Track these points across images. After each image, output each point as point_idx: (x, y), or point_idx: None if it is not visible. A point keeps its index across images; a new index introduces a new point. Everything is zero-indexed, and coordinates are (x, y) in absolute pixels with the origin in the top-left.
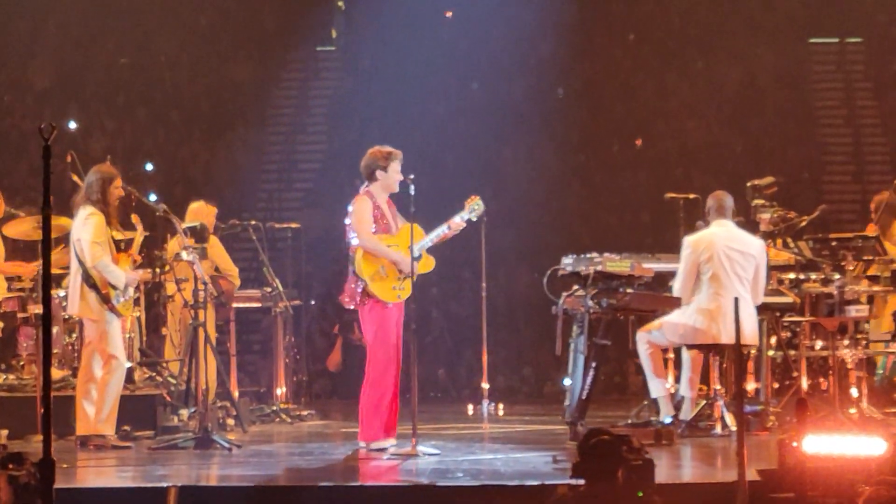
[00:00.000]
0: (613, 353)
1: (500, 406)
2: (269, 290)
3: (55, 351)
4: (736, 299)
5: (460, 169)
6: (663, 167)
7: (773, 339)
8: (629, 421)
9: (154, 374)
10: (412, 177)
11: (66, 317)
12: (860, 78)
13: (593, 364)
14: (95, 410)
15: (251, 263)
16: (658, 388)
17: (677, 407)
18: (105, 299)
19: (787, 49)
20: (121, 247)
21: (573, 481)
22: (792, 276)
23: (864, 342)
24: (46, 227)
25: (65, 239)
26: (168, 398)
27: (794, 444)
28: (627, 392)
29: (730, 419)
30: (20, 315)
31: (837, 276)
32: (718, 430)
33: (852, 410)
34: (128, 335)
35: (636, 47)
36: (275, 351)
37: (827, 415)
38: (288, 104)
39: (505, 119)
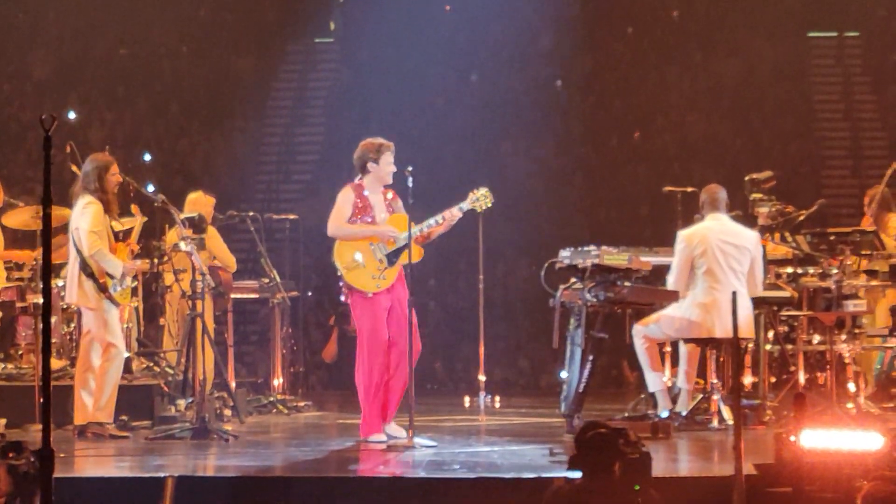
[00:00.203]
0: (610, 346)
1: (497, 398)
2: (266, 281)
3: (53, 341)
4: (734, 293)
5: (459, 161)
6: (662, 161)
7: (771, 334)
8: (626, 414)
9: (152, 364)
10: (410, 169)
11: (65, 306)
12: (859, 72)
13: (590, 357)
14: (94, 400)
15: (249, 254)
16: (655, 381)
17: (674, 400)
18: (102, 288)
19: (786, 43)
20: (119, 237)
21: (570, 474)
22: (790, 270)
23: (861, 337)
24: (47, 217)
25: (63, 229)
26: (165, 388)
27: (792, 438)
28: (624, 385)
29: (727, 413)
30: (19, 304)
31: (835, 270)
32: (715, 423)
33: (849, 405)
34: (126, 325)
35: (635, 41)
36: (272, 342)
37: (824, 409)
38: (286, 96)
39: (504, 112)
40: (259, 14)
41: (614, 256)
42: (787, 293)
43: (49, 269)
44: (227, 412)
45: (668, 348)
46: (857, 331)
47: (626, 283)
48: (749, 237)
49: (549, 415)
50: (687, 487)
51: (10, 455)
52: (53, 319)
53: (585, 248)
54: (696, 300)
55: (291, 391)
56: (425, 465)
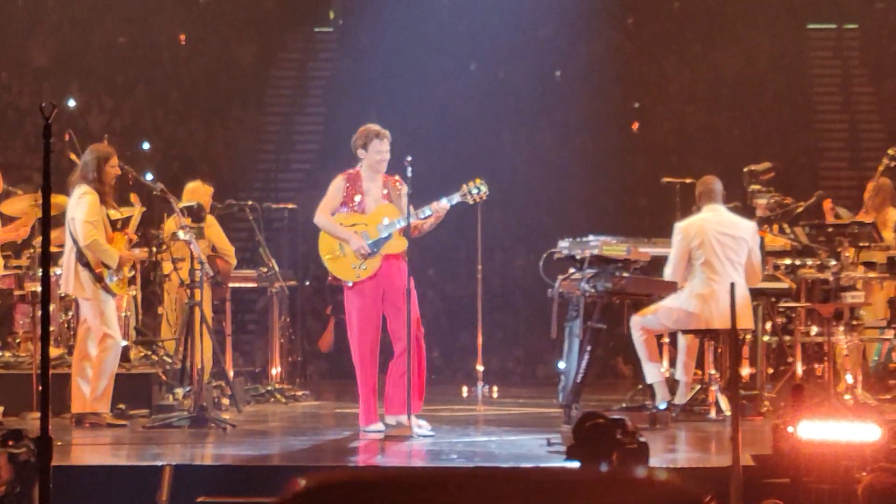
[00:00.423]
0: (608, 336)
1: (495, 388)
2: (265, 270)
3: (51, 329)
4: (732, 285)
5: (458, 151)
6: (661, 152)
7: (769, 325)
8: (623, 405)
9: (150, 353)
10: (409, 158)
11: (62, 294)
12: (857, 64)
13: (588, 347)
14: (91, 389)
15: (247, 244)
16: (653, 373)
17: (672, 391)
18: (98, 278)
19: (785, 35)
20: (118, 226)
21: (568, 464)
22: (788, 261)
23: (859, 328)
24: (46, 205)
25: (61, 217)
26: (163, 377)
27: (789, 429)
28: (622, 376)
29: (724, 404)
30: (17, 293)
31: (833, 262)
32: (713, 414)
33: (847, 397)
34: (124, 314)
35: (635, 31)
36: (270, 331)
37: (822, 401)
38: (286, 85)
39: (503, 102)
40: (259, 3)
41: (613, 247)
42: (785, 284)
43: (48, 258)
44: (225, 401)
45: (665, 339)
46: (854, 322)
47: (625, 274)
48: (746, 227)
49: (546, 405)
50: (684, 478)
51: (10, 443)
52: (51, 308)
53: (584, 239)
54: (695, 291)
55: (289, 380)
56: (423, 454)
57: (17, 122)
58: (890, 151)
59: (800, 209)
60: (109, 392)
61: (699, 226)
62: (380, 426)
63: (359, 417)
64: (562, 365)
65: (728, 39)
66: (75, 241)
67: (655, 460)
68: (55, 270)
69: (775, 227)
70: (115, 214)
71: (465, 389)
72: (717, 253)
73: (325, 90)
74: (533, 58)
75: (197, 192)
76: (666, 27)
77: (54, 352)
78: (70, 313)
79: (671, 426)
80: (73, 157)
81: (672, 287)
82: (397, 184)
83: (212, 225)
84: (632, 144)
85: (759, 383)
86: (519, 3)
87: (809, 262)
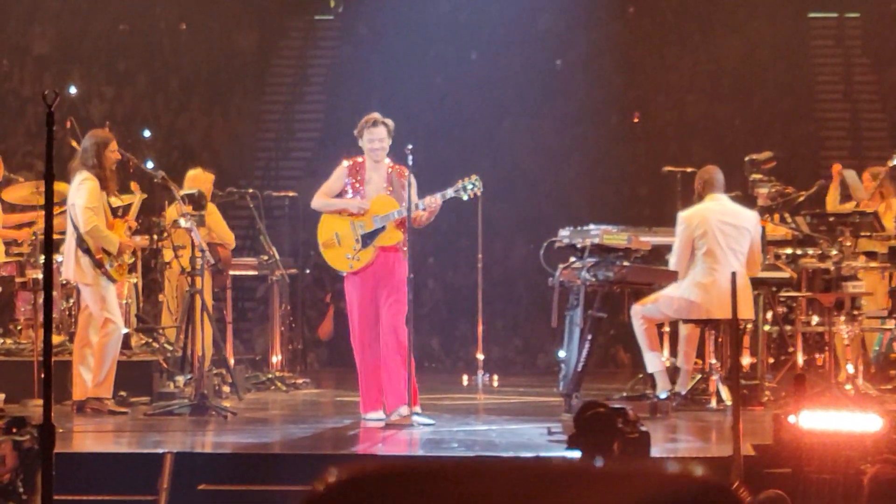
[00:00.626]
0: (609, 325)
1: (495, 377)
2: (265, 258)
3: (53, 316)
4: (733, 274)
5: (459, 140)
6: (661, 140)
7: (770, 315)
8: (624, 394)
9: (151, 340)
10: (410, 147)
11: (64, 282)
12: (858, 53)
13: (589, 336)
14: (92, 376)
15: (248, 231)
16: (654, 362)
17: (672, 380)
18: (98, 264)
19: (787, 24)
20: (118, 213)
21: (569, 454)
22: (789, 251)
23: (860, 318)
24: (49, 192)
25: (62, 205)
26: (164, 365)
27: (790, 419)
28: (622, 365)
29: (725, 393)
30: (18, 280)
31: (834, 251)
32: (713, 404)
33: (848, 387)
34: (125, 301)
35: (636, 20)
36: (271, 319)
37: (823, 390)
38: (286, 73)
39: (504, 91)
40: None
41: (614, 236)
42: (786, 274)
43: (51, 245)
44: (226, 389)
45: (666, 328)
46: (855, 312)
47: (626, 263)
48: (748, 217)
49: (547, 394)
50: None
51: (14, 430)
52: (53, 295)
53: (585, 228)
54: (696, 280)
55: (290, 368)
56: (423, 443)
57: (19, 109)
58: None
59: (801, 198)
60: (112, 378)
61: (702, 215)
62: (380, 414)
63: (359, 405)
64: (562, 354)
65: (729, 28)
66: (76, 228)
67: (656, 450)
68: (56, 257)
69: (776, 216)
70: (115, 202)
71: (465, 378)
72: (720, 242)
73: (326, 78)
74: (533, 47)
75: (198, 179)
76: (666, 16)
77: (56, 339)
78: (71, 301)
79: (672, 415)
80: (74, 144)
81: (673, 276)
82: (403, 173)
83: (212, 213)
84: (632, 133)
85: (759, 373)
86: None
87: (810, 251)
